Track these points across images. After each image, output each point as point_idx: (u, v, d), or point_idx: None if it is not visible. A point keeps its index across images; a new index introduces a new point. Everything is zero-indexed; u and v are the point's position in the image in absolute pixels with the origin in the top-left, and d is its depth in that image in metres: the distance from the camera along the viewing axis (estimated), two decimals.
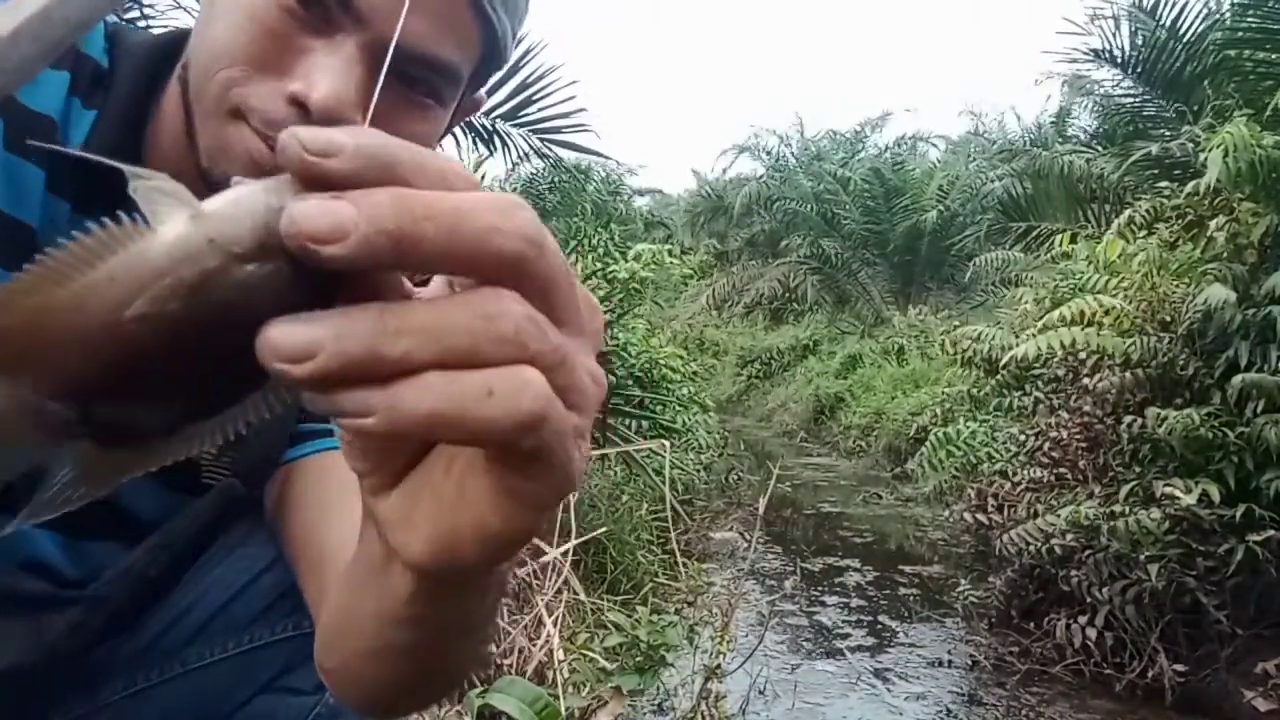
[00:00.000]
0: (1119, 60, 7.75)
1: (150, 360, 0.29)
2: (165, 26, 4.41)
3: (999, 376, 6.16)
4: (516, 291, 0.29)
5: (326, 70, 0.59)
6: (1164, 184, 5.63)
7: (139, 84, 0.67)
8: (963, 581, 4.86)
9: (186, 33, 0.68)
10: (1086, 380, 4.50)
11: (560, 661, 2.49)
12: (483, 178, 4.69)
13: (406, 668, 0.48)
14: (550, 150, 4.60)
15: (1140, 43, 7.58)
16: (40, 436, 0.31)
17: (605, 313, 4.88)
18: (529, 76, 4.24)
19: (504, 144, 4.46)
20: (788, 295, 16.60)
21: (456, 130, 4.37)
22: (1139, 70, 7.70)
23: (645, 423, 5.29)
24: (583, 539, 3.28)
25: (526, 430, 0.29)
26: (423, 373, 0.28)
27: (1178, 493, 3.73)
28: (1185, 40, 7.29)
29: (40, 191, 0.64)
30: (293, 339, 0.27)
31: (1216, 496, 3.71)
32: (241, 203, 0.29)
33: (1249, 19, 5.67)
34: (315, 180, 0.28)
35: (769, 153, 18.02)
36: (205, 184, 0.63)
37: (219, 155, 0.62)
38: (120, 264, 0.28)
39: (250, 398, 0.32)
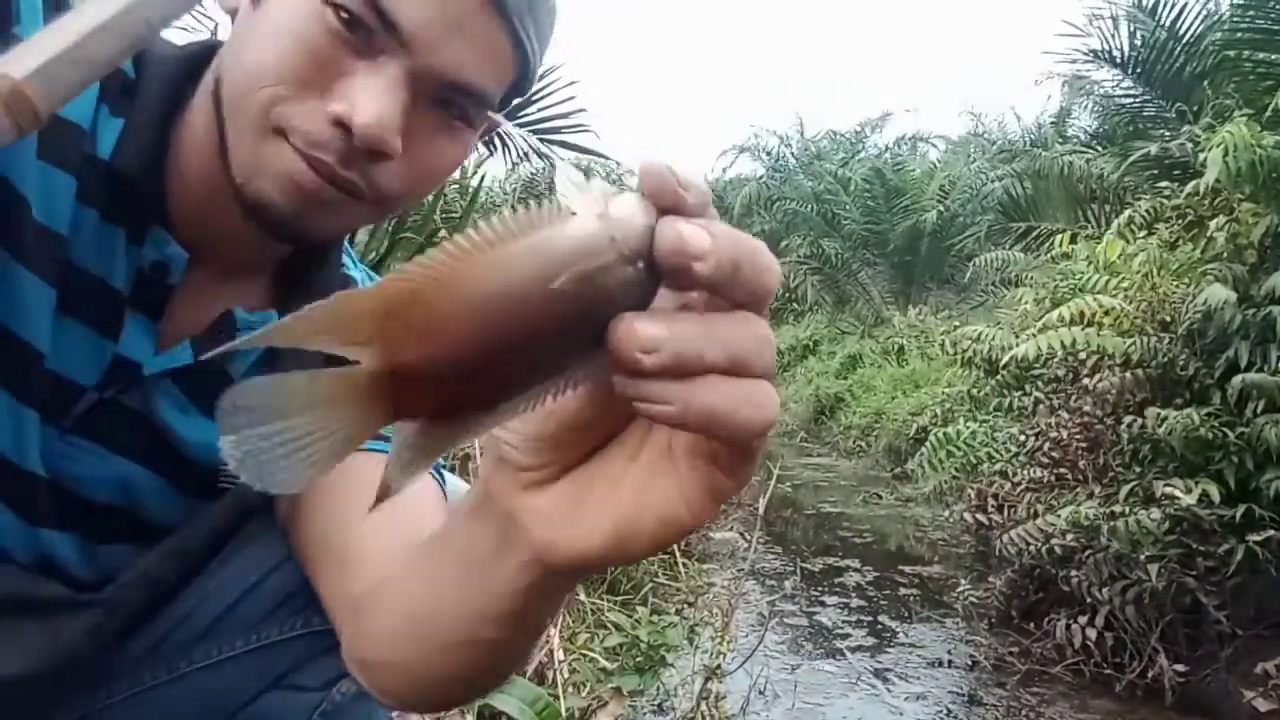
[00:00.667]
0: (1118, 61, 7.75)
1: (529, 334, 0.33)
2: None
3: (999, 377, 6.15)
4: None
5: (370, 92, 0.59)
6: (1164, 184, 5.63)
7: (166, 94, 0.68)
8: (963, 581, 4.86)
9: (214, 45, 0.69)
10: (1086, 380, 4.50)
11: (560, 662, 2.49)
12: (483, 178, 4.69)
13: (485, 661, 0.50)
14: (550, 150, 4.60)
15: (1140, 43, 7.58)
16: (392, 411, 0.34)
17: None
18: None
19: (504, 144, 4.46)
20: (788, 295, 16.59)
21: None
22: (1139, 71, 7.70)
23: None
24: None
25: (762, 434, 0.35)
26: (709, 375, 0.34)
27: (1178, 493, 3.73)
28: (1185, 41, 7.29)
29: (71, 200, 0.64)
30: (651, 333, 0.33)
31: (1216, 496, 3.71)
32: (634, 213, 0.33)
33: (1249, 19, 5.66)
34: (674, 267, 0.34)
35: (769, 153, 18.02)
36: (238, 200, 0.64)
37: (255, 173, 0.62)
38: (543, 239, 0.33)
39: (553, 379, 0.35)
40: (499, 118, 0.73)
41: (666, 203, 0.34)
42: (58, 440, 0.68)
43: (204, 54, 0.69)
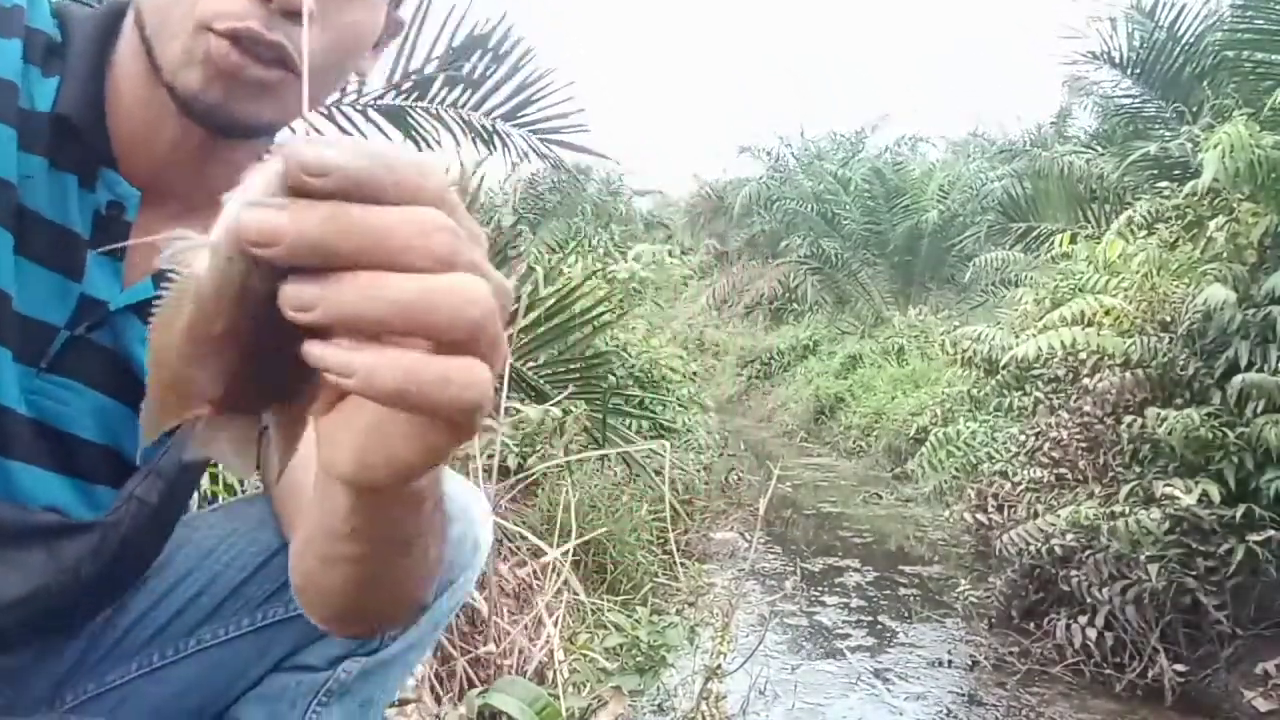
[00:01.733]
0: (1118, 61, 7.75)
1: (250, 348, 0.38)
2: None
3: (999, 377, 6.15)
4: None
5: None
6: (1163, 184, 5.63)
7: (97, 44, 0.71)
8: (963, 582, 4.86)
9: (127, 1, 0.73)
10: (1086, 380, 4.50)
11: (560, 662, 2.49)
12: (482, 179, 4.69)
13: (355, 575, 0.55)
14: (550, 150, 4.59)
15: (1139, 44, 7.58)
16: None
17: (606, 313, 4.89)
18: (528, 77, 4.24)
19: (504, 144, 4.46)
20: (788, 295, 16.59)
21: (456, 130, 4.37)
22: (1138, 71, 7.70)
23: (645, 423, 5.28)
24: (583, 539, 3.28)
25: (469, 417, 0.37)
26: (397, 347, 0.35)
27: (1178, 493, 3.72)
28: (1184, 41, 7.29)
29: (14, 150, 0.67)
30: (302, 294, 0.34)
31: (1216, 496, 3.71)
32: (224, 221, 0.35)
33: (1248, 19, 5.66)
34: (298, 192, 0.34)
35: (769, 153, 18.00)
36: (173, 101, 0.67)
37: (182, 65, 0.65)
38: (193, 300, 0.37)
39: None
40: (402, 16, 0.78)
41: (294, 186, 0.34)
42: (36, 379, 0.71)
43: (122, 8, 0.73)
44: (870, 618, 4.77)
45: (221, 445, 0.43)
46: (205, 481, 2.12)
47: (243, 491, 2.13)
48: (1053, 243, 6.34)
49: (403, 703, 1.96)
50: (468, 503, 0.86)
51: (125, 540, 0.74)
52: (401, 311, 0.34)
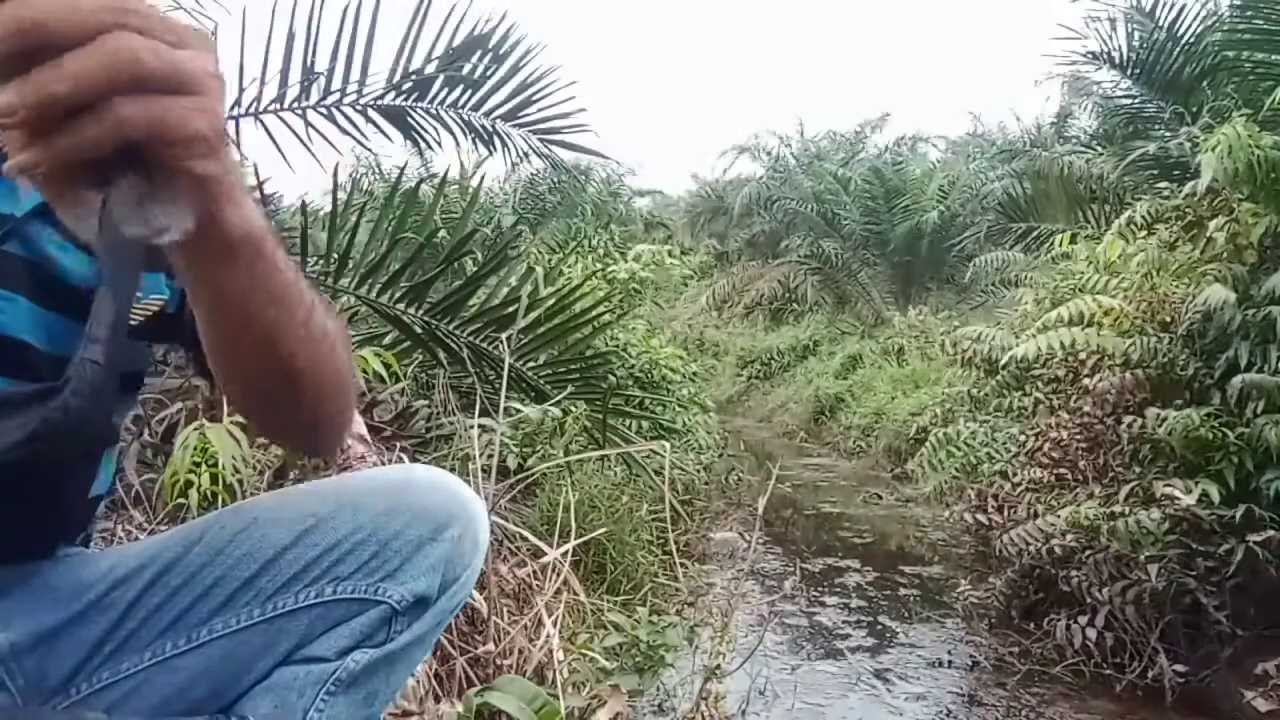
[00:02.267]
0: (1117, 62, 7.74)
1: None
2: None
3: (999, 377, 6.15)
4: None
5: None
6: (1163, 184, 5.63)
7: None
8: (963, 582, 4.86)
9: None
10: (1086, 381, 4.50)
11: (560, 661, 2.49)
12: (483, 178, 4.69)
13: (229, 337, 0.67)
14: (550, 151, 4.59)
15: (1138, 44, 7.57)
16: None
17: (605, 313, 4.88)
18: (529, 76, 4.24)
19: (504, 144, 4.46)
20: (788, 296, 16.58)
21: (456, 130, 4.37)
22: (1138, 72, 7.69)
23: (645, 423, 5.28)
24: (583, 539, 3.28)
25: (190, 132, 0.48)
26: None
27: (1178, 493, 3.72)
28: (1184, 41, 7.28)
29: None
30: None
31: (1216, 497, 3.71)
32: None
33: (1248, 19, 5.66)
34: None
35: (769, 153, 17.99)
36: None
37: None
38: None
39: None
40: None
41: None
42: None
43: None
44: (870, 618, 4.77)
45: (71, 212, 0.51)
46: (205, 481, 2.12)
47: (242, 494, 2.13)
48: (1053, 243, 6.33)
49: (405, 714, 1.96)
50: (465, 500, 0.87)
51: (100, 395, 0.75)
52: (76, 79, 0.44)
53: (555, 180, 13.60)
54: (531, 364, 4.02)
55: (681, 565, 4.24)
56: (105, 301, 0.74)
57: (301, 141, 4.04)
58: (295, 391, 0.71)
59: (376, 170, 12.24)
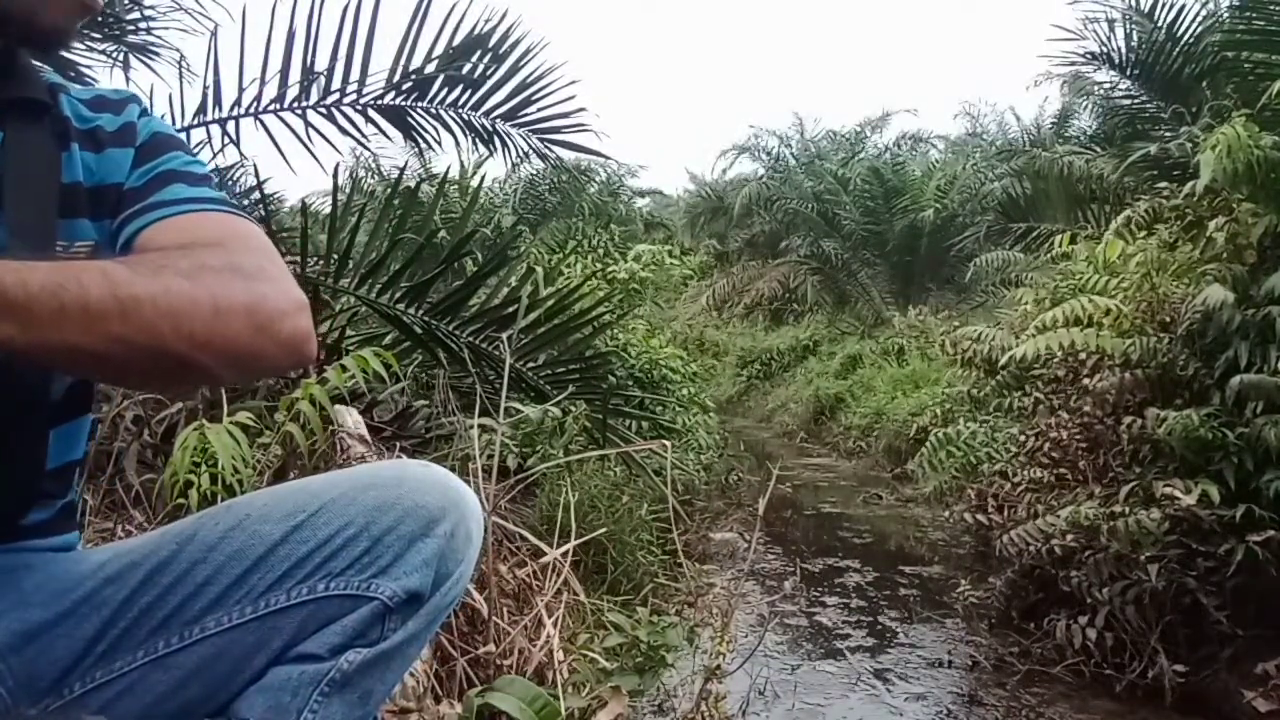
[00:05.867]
0: (1116, 63, 7.75)
1: None
2: (166, 28, 4.40)
3: (999, 377, 6.15)
4: None
5: None
6: (1163, 185, 5.63)
7: None
8: (963, 582, 4.86)
9: None
10: (1086, 381, 4.50)
11: (560, 662, 2.49)
12: (483, 179, 4.69)
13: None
14: (550, 150, 4.59)
15: (1137, 44, 7.58)
16: None
17: (605, 313, 4.88)
18: (529, 76, 4.24)
19: (504, 144, 4.46)
20: (788, 296, 16.58)
21: (456, 130, 4.37)
22: (1137, 72, 7.70)
23: (645, 423, 5.28)
24: (583, 539, 3.28)
25: None
26: None
27: (1178, 493, 3.72)
28: (1183, 42, 7.29)
29: None
30: None
31: (1216, 497, 3.70)
32: None
33: (1247, 20, 5.66)
34: None
35: (769, 153, 17.98)
36: None
37: None
38: None
39: None
40: None
41: None
42: None
43: None
44: (870, 618, 4.77)
45: None
46: (205, 482, 2.12)
47: (241, 494, 2.13)
48: (1052, 243, 6.33)
49: (403, 711, 1.95)
50: (458, 495, 0.87)
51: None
52: None
53: (555, 180, 13.60)
54: (531, 364, 4.02)
55: (682, 565, 4.24)
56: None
57: (301, 141, 4.05)
58: (150, 357, 0.68)
59: (376, 170, 12.25)
